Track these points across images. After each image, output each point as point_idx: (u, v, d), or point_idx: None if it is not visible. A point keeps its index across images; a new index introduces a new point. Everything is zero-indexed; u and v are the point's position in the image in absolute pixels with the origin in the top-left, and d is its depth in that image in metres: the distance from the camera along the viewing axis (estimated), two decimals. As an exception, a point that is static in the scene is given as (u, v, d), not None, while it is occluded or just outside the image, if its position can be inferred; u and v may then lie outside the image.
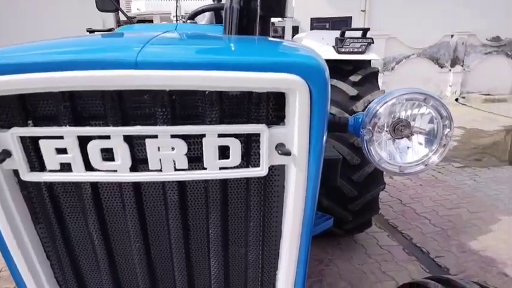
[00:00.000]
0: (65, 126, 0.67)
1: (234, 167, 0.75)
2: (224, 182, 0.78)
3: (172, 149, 0.71)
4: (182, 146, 0.72)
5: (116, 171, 0.72)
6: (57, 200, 0.78)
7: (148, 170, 0.72)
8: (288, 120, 0.72)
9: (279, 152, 0.73)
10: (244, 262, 0.86)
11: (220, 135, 0.72)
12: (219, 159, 0.73)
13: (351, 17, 10.25)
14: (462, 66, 11.40)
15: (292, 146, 0.73)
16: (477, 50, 11.42)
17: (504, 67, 11.65)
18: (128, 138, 0.70)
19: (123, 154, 0.71)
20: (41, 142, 0.68)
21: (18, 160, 0.69)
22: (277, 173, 0.78)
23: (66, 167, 0.71)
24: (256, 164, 0.74)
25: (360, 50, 2.91)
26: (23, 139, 0.68)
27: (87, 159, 0.70)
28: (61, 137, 0.68)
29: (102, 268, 0.84)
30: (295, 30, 9.16)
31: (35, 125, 0.69)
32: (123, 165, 0.72)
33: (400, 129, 0.95)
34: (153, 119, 0.70)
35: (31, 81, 0.62)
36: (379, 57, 3.01)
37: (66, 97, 0.66)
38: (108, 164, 0.71)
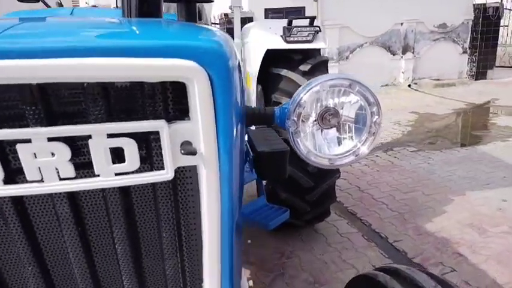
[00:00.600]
0: None
1: (133, 172, 0.64)
2: (125, 190, 0.67)
3: (52, 154, 0.59)
4: (64, 151, 0.59)
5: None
6: None
7: (27, 181, 0.60)
8: (191, 114, 0.61)
9: (182, 151, 0.63)
10: (163, 277, 0.75)
11: (110, 136, 0.60)
12: (114, 163, 0.61)
13: (304, 7, 10.27)
14: (413, 53, 11.79)
15: (199, 143, 0.63)
16: (426, 37, 11.85)
17: (451, 53, 12.18)
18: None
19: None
20: None
21: None
22: (188, 175, 0.67)
23: None
24: (161, 167, 0.64)
25: (308, 38, 2.85)
26: None
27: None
28: None
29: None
30: (250, 21, 9.09)
31: None
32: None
33: (328, 118, 0.88)
34: (25, 120, 0.57)
35: None
36: (326, 46, 2.98)
37: None
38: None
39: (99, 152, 0.59)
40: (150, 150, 0.62)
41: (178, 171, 0.67)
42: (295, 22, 2.99)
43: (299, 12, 10.12)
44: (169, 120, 0.62)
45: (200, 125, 0.62)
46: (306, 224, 3.38)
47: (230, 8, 10.18)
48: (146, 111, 0.61)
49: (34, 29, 0.60)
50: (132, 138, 0.61)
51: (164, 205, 0.68)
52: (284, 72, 2.93)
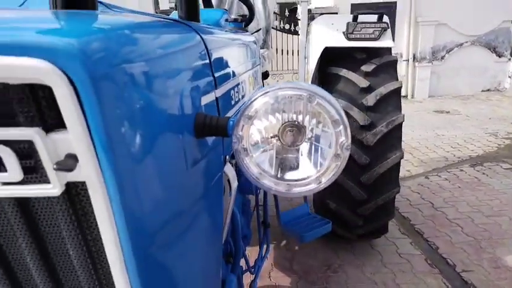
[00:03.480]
0: None
1: (17, 183, 0.57)
2: (23, 201, 0.61)
3: None
4: None
5: None
6: None
7: None
8: (66, 123, 0.52)
9: (54, 166, 0.54)
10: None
11: None
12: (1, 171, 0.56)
13: (395, 2, 9.50)
14: (525, 55, 10.26)
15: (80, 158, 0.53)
16: (542, 38, 10.20)
17: None
18: None
19: None
20: None
21: None
22: (85, 192, 0.59)
23: None
24: (47, 180, 0.56)
25: (373, 36, 2.58)
26: None
27: None
28: None
29: None
30: (334, 17, 8.69)
31: None
32: None
33: (287, 135, 0.72)
34: None
35: None
36: (393, 44, 2.66)
37: None
38: None
39: None
40: (35, 161, 0.55)
41: (75, 186, 0.59)
42: (361, 18, 2.73)
43: (390, 7, 9.41)
44: (48, 128, 0.54)
45: (72, 137, 0.53)
46: (358, 238, 3.11)
47: (297, 2, 9.78)
48: (19, 117, 0.54)
49: None
50: (7, 146, 0.53)
51: (64, 220, 0.61)
52: (343, 72, 2.70)
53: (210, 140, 0.87)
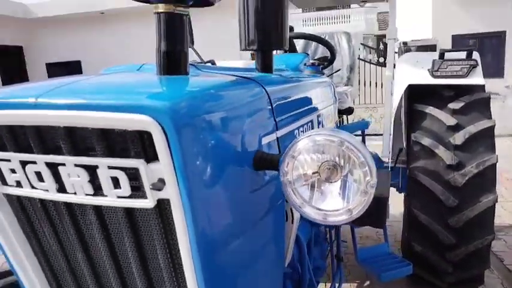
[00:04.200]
0: (10, 152, 0.85)
1: (127, 197, 0.79)
2: (129, 211, 0.84)
3: (78, 176, 0.81)
4: (84, 175, 0.80)
5: (47, 191, 0.85)
6: (21, 212, 0.97)
7: (67, 193, 0.83)
8: (159, 157, 0.74)
9: (150, 186, 0.75)
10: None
11: (110, 167, 0.78)
12: (116, 188, 0.79)
13: (504, 32, 8.68)
14: None
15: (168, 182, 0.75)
16: None
17: None
18: (51, 165, 0.82)
19: (46, 178, 0.84)
20: (1, 163, 0.87)
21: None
22: (169, 207, 0.79)
23: (19, 184, 0.89)
24: (146, 196, 0.78)
25: (461, 73, 2.51)
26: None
27: (30, 178, 0.86)
28: (9, 160, 0.86)
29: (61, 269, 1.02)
30: (433, 50, 8.24)
31: None
32: (50, 186, 0.84)
33: (324, 171, 0.83)
34: (61, 151, 0.81)
35: None
36: (483, 82, 2.54)
37: (7, 129, 0.84)
38: (42, 184, 0.85)
39: (104, 178, 0.78)
40: (138, 182, 0.77)
41: (163, 202, 0.80)
42: (448, 55, 2.68)
43: (498, 37, 8.66)
44: (150, 159, 0.76)
45: (162, 167, 0.74)
46: (449, 287, 2.88)
47: (383, 41, 9.31)
48: (130, 151, 0.77)
49: (75, 87, 0.84)
50: (122, 171, 0.77)
51: (155, 228, 0.82)
52: (429, 109, 2.65)
53: (271, 172, 1.04)
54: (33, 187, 0.87)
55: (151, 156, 0.75)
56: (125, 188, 0.78)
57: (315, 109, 1.60)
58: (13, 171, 0.88)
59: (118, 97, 0.75)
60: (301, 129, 1.37)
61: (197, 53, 2.20)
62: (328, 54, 2.73)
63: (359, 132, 3.29)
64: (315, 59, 2.82)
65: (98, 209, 0.86)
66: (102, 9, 10.37)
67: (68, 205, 0.89)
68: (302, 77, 1.88)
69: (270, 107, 1.09)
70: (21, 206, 0.96)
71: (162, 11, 0.89)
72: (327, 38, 4.13)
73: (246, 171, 0.93)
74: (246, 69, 1.55)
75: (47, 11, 10.62)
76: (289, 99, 1.34)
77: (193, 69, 1.12)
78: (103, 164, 0.77)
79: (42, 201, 0.91)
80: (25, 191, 0.89)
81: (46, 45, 11.19)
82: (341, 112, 2.93)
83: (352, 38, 4.05)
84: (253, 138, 0.97)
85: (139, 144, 0.74)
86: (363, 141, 3.31)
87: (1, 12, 9.75)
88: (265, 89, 1.08)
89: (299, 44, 3.81)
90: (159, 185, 0.74)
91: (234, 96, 0.95)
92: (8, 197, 0.96)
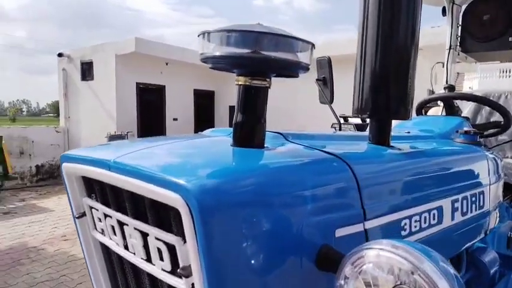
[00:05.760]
0: (98, 202, 0.95)
1: (168, 272, 0.77)
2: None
3: (136, 239, 0.83)
4: (139, 239, 0.82)
5: (118, 244, 0.91)
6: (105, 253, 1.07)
7: (129, 251, 0.87)
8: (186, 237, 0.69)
9: (179, 270, 0.70)
10: None
11: (157, 238, 0.77)
12: (161, 260, 0.78)
13: None
14: None
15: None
16: None
17: None
18: (121, 222, 0.87)
19: (117, 232, 0.90)
20: (93, 211, 0.99)
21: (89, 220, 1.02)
22: None
23: (103, 232, 0.98)
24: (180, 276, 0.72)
25: None
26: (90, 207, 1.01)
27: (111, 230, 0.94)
28: (97, 209, 0.96)
29: None
30: None
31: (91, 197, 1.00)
32: (119, 241, 0.89)
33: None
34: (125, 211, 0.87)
35: (78, 170, 0.96)
36: None
37: (96, 181, 0.94)
38: (115, 238, 0.92)
39: (152, 247, 0.79)
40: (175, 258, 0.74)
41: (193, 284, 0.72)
42: None
43: None
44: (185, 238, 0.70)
45: (189, 249, 0.68)
46: None
47: None
48: (172, 226, 0.75)
49: (144, 154, 0.87)
50: (165, 245, 0.76)
51: None
52: None
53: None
54: (110, 238, 0.95)
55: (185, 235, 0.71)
56: (167, 261, 0.76)
57: (448, 192, 1.27)
58: (100, 219, 0.98)
59: (162, 170, 0.74)
60: (415, 218, 1.09)
61: (333, 110, 2.12)
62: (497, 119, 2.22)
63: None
64: (478, 124, 2.34)
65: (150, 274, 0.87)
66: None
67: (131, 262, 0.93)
68: (440, 148, 1.55)
69: (355, 190, 0.90)
70: (105, 248, 1.07)
71: (240, 83, 0.87)
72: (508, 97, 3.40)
73: (303, 270, 0.78)
74: (356, 138, 1.36)
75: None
76: (395, 180, 1.09)
77: (279, 140, 1.04)
78: (152, 233, 0.78)
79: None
80: (105, 240, 0.98)
81: (232, 90, 12.98)
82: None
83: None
84: (317, 229, 0.81)
85: (179, 221, 0.71)
86: None
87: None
88: (351, 168, 0.91)
89: (469, 104, 3.26)
90: (188, 269, 0.69)
91: (295, 177, 0.82)
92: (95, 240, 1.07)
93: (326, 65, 1.95)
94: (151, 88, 11.32)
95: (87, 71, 10.99)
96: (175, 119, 11.98)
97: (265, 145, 0.91)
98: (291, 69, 0.92)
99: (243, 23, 0.86)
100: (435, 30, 7.85)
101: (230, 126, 0.95)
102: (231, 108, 13.06)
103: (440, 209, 1.23)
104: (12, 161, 8.72)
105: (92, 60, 10.81)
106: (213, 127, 1.30)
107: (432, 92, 4.83)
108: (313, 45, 0.91)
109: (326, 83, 2.00)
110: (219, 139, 1.07)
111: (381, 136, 1.19)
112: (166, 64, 11.27)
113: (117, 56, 10.23)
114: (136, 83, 10.87)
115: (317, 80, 2.03)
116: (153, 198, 0.75)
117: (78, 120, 11.21)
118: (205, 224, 0.64)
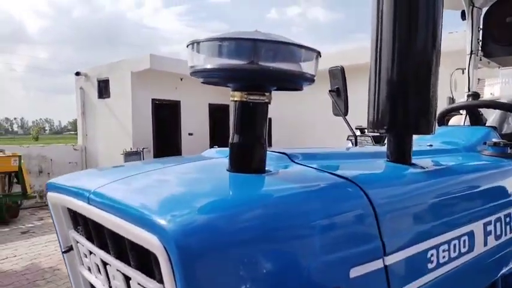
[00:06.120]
0: (82, 237, 0.86)
1: None
2: None
3: (118, 281, 0.72)
4: (122, 282, 0.71)
5: (103, 285, 0.81)
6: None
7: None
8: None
9: None
10: None
11: (140, 284, 0.66)
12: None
13: None
14: None
15: None
16: None
17: None
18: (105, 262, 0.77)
19: (102, 272, 0.80)
20: (79, 245, 0.89)
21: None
22: None
23: (89, 269, 0.88)
24: None
25: None
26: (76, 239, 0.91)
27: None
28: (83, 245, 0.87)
29: None
30: None
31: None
32: (104, 281, 0.79)
33: None
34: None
35: (61, 200, 0.86)
36: None
37: (79, 215, 0.85)
38: (100, 277, 0.82)
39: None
40: None
41: None
42: None
43: None
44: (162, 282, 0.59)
45: None
46: None
47: None
48: (156, 271, 0.63)
49: (125, 185, 0.76)
50: None
51: None
52: None
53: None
54: (96, 276, 0.85)
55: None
56: None
57: (479, 214, 1.12)
58: (85, 255, 0.88)
59: (140, 205, 0.64)
60: (442, 247, 0.95)
61: (347, 123, 1.99)
62: None
63: None
64: (507, 134, 2.16)
65: None
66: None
67: None
68: (468, 163, 1.39)
69: (371, 219, 0.77)
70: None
71: (236, 99, 0.76)
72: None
73: None
74: (372, 155, 1.22)
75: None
76: (418, 205, 0.94)
77: (284, 161, 0.92)
78: (134, 277, 0.67)
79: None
80: (91, 278, 0.88)
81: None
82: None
83: None
84: (327, 270, 0.67)
85: (157, 264, 0.60)
86: None
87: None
88: (366, 193, 0.78)
89: (493, 112, 3.06)
90: None
91: (299, 208, 0.69)
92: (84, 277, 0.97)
93: (339, 75, 1.84)
94: (166, 104, 11.40)
95: (103, 88, 11.16)
96: (190, 134, 11.99)
97: (266, 169, 0.80)
98: (294, 82, 0.80)
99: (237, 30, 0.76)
100: (453, 35, 7.63)
101: None
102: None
103: (471, 235, 1.08)
104: (31, 180, 8.82)
105: (108, 78, 10.98)
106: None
107: (453, 100, 4.62)
108: (318, 53, 0.79)
109: (340, 94, 1.88)
110: (216, 162, 0.95)
111: (401, 153, 1.06)
112: (181, 80, 11.33)
113: (132, 73, 10.35)
114: (152, 99, 10.97)
115: (330, 91, 1.92)
116: (130, 239, 0.64)
117: (96, 137, 11.35)
118: (187, 271, 0.53)
